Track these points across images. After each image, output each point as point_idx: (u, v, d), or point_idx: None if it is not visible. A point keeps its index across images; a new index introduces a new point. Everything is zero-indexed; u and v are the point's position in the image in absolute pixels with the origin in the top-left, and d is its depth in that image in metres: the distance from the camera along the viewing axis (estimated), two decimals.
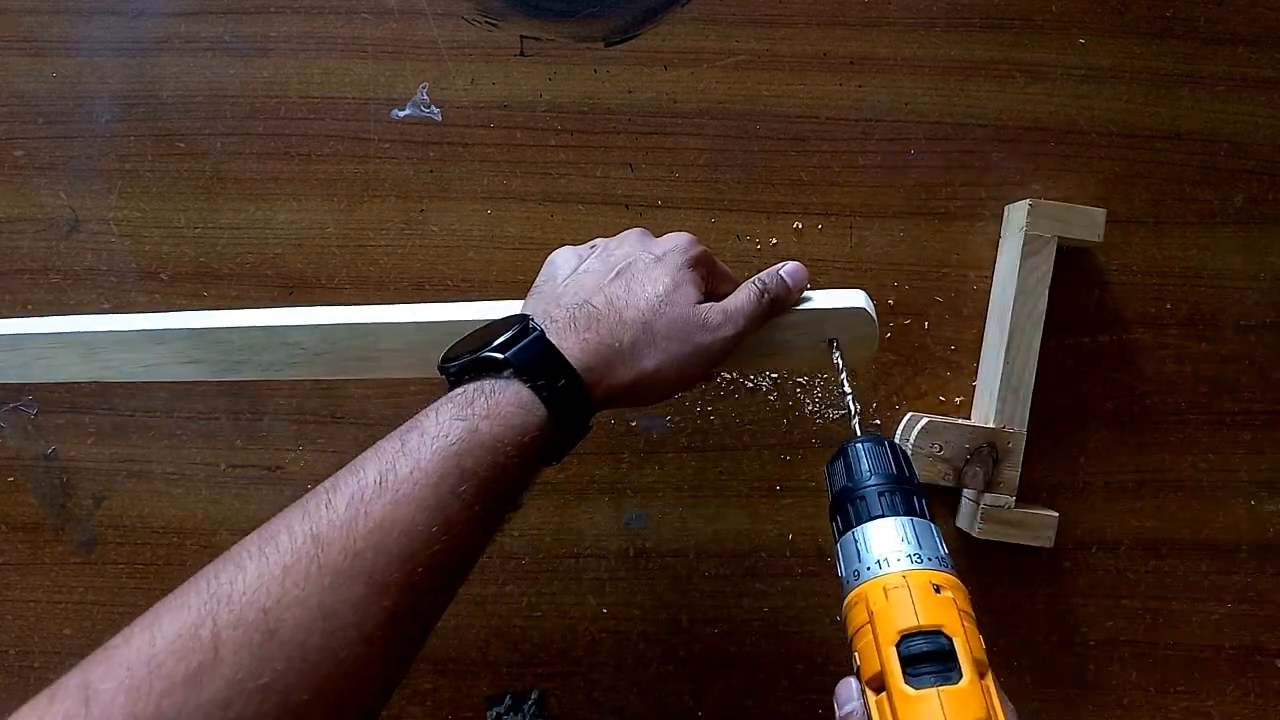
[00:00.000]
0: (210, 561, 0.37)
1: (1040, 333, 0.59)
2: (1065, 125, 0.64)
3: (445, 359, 0.45)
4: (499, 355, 0.42)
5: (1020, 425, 0.59)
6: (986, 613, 0.63)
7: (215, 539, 0.64)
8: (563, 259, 0.51)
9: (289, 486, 0.64)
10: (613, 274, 0.48)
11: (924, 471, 0.59)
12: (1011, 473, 0.59)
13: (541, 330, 0.44)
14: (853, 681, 0.42)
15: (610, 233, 0.63)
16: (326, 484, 0.40)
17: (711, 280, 0.51)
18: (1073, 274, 0.64)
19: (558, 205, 0.64)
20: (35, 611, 0.64)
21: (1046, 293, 0.59)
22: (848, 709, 0.42)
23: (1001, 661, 0.63)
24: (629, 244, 0.51)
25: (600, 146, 0.64)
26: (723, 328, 0.48)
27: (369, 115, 0.64)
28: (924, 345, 0.64)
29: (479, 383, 0.42)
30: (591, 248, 0.52)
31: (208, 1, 0.64)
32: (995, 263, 0.63)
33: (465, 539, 0.40)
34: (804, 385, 0.64)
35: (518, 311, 0.48)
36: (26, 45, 0.64)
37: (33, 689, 0.65)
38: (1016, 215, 0.61)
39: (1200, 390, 0.64)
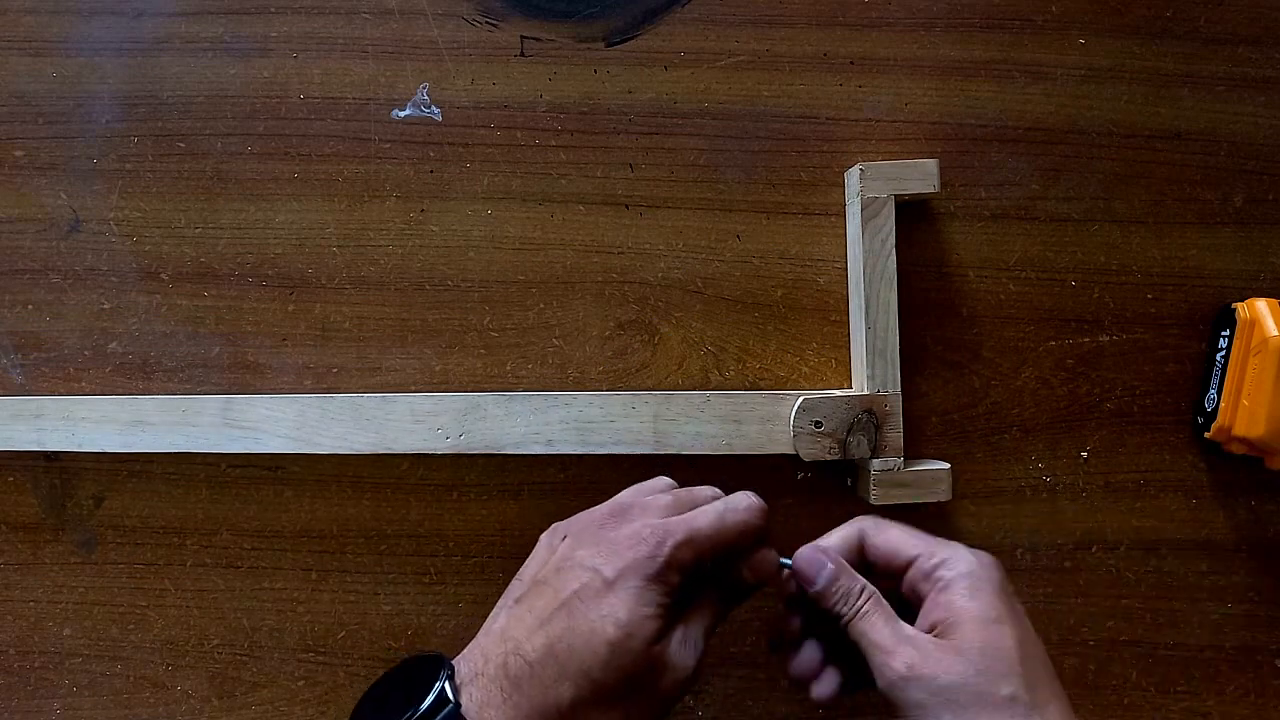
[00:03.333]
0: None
1: (895, 292, 0.59)
2: (1065, 125, 0.64)
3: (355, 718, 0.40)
4: None
5: (893, 387, 0.59)
6: None
7: (215, 539, 0.64)
8: (537, 555, 0.45)
9: (289, 487, 0.64)
10: (557, 605, 0.40)
11: (808, 449, 0.58)
12: (894, 434, 0.59)
13: (455, 707, 0.37)
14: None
15: (610, 232, 0.63)
16: None
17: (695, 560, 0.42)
18: (1076, 273, 0.64)
19: (558, 205, 0.64)
20: (35, 611, 0.64)
21: (893, 252, 0.59)
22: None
23: None
24: (584, 547, 0.43)
25: (600, 147, 0.64)
26: (685, 659, 0.41)
27: (369, 115, 0.64)
28: (923, 345, 0.64)
29: None
30: (564, 539, 0.45)
31: (208, 1, 0.64)
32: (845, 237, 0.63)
33: None
34: (805, 385, 0.64)
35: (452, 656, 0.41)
36: (26, 45, 0.64)
37: (33, 689, 0.65)
38: (852, 181, 0.61)
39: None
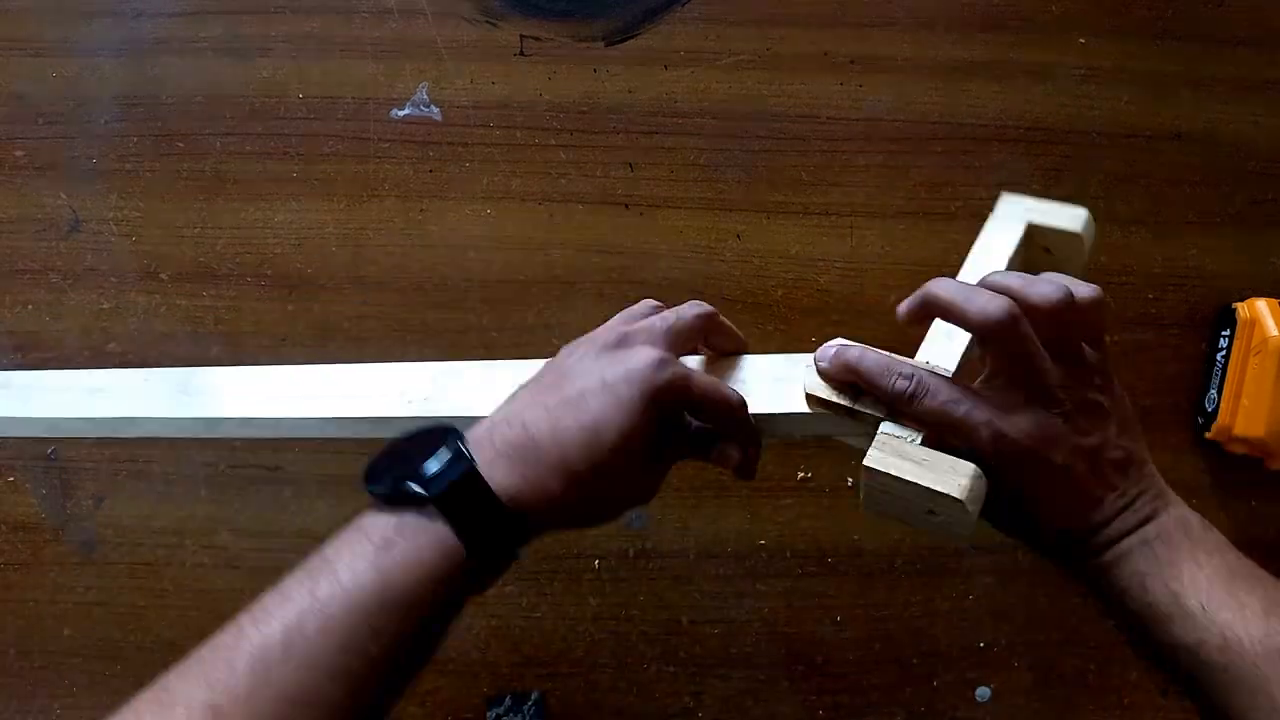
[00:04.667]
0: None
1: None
2: (1067, 125, 0.64)
3: (370, 475, 0.42)
4: (423, 491, 0.40)
5: (950, 363, 0.48)
6: (987, 614, 0.63)
7: (215, 539, 0.64)
8: (553, 364, 0.47)
9: (288, 486, 0.64)
10: (564, 400, 0.43)
11: (812, 382, 0.47)
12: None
13: (472, 463, 0.40)
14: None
15: (610, 232, 0.63)
16: (230, 631, 0.38)
17: (693, 390, 0.44)
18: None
19: (558, 205, 0.64)
20: (35, 611, 0.64)
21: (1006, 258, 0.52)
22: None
23: (1002, 661, 0.63)
24: (595, 360, 0.45)
25: (600, 146, 0.64)
26: (652, 478, 0.45)
27: (368, 115, 0.64)
28: None
29: (400, 518, 0.40)
30: (591, 340, 0.48)
31: (207, 2, 0.64)
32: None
33: (374, 695, 0.38)
34: None
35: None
36: (26, 45, 0.64)
37: (33, 689, 0.65)
38: (1013, 209, 0.54)
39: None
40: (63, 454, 0.64)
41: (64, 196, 0.64)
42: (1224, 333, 0.63)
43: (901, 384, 0.44)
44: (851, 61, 0.64)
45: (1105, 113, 0.64)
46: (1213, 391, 0.63)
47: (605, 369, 0.44)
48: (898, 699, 0.64)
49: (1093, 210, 0.64)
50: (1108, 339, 0.64)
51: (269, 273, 0.64)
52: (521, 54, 0.64)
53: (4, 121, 0.64)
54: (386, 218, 0.64)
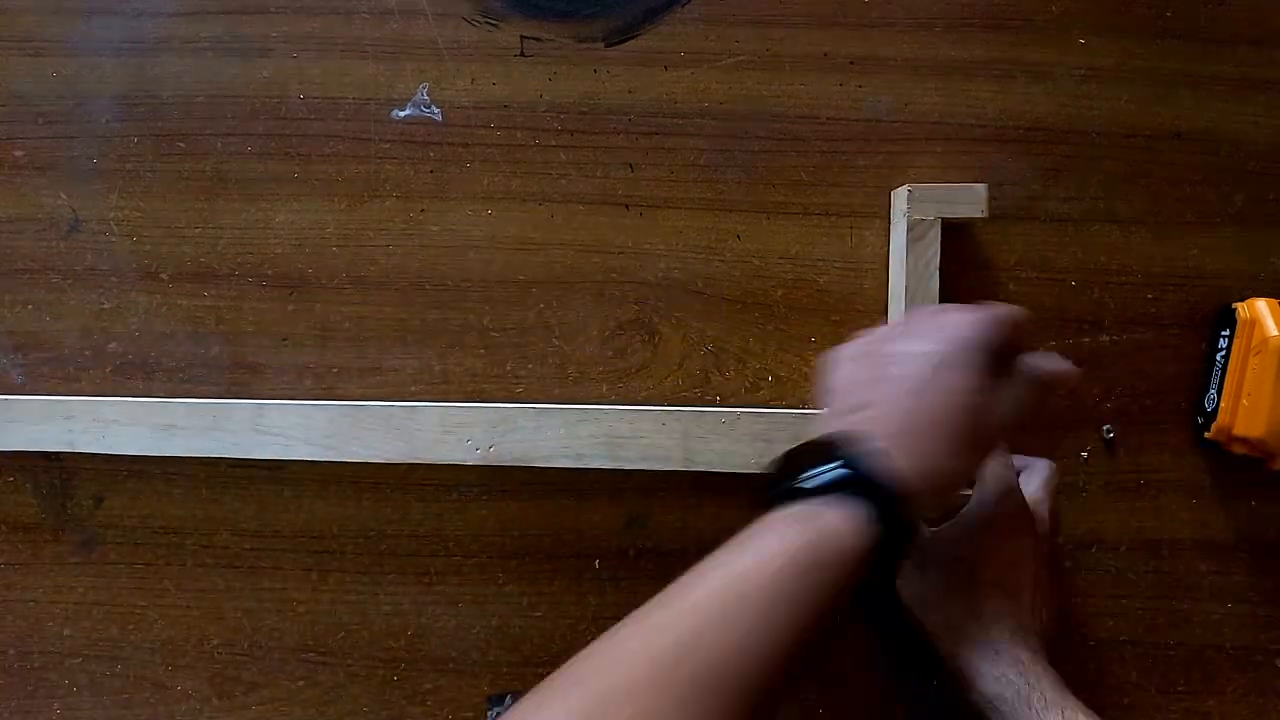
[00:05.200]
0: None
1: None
2: (1065, 125, 0.64)
3: (777, 478, 0.45)
4: (844, 471, 0.42)
5: None
6: None
7: (215, 539, 0.64)
8: (840, 374, 0.50)
9: (288, 487, 0.64)
10: (906, 390, 0.46)
11: None
12: None
13: (875, 451, 0.43)
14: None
15: (610, 232, 0.63)
16: (665, 610, 0.40)
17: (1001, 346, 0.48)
18: (1076, 273, 0.64)
19: (558, 205, 0.64)
20: (35, 611, 0.64)
21: (937, 273, 0.58)
22: None
23: None
24: (904, 343, 0.48)
25: (600, 147, 0.64)
26: (1007, 410, 0.48)
27: (369, 115, 0.64)
28: None
29: (805, 506, 0.42)
30: (868, 343, 0.51)
31: (208, 1, 0.64)
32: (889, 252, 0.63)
33: (793, 665, 0.40)
34: (805, 385, 0.64)
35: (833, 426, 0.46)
36: (26, 45, 0.64)
37: (32, 689, 0.65)
38: (899, 201, 0.60)
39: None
40: (62, 454, 0.64)
41: (64, 196, 0.64)
42: (1224, 333, 0.63)
43: None
44: (851, 62, 0.64)
45: (1105, 112, 0.64)
46: (1212, 391, 0.63)
47: (929, 345, 0.47)
48: (898, 700, 0.64)
49: (1092, 210, 0.64)
50: (1108, 339, 0.64)
51: (270, 273, 0.64)
52: (522, 55, 0.64)
53: (4, 121, 0.64)
54: (387, 218, 0.64)
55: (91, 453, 0.63)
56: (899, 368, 0.47)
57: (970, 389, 0.45)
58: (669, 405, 0.63)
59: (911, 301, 0.59)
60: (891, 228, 0.63)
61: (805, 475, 0.43)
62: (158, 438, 0.59)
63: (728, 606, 0.38)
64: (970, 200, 0.59)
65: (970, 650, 0.51)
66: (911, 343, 0.48)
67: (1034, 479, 0.58)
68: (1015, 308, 0.50)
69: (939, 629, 0.53)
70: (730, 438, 0.59)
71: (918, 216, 0.58)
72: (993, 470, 0.54)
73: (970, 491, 0.55)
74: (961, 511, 0.54)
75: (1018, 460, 0.59)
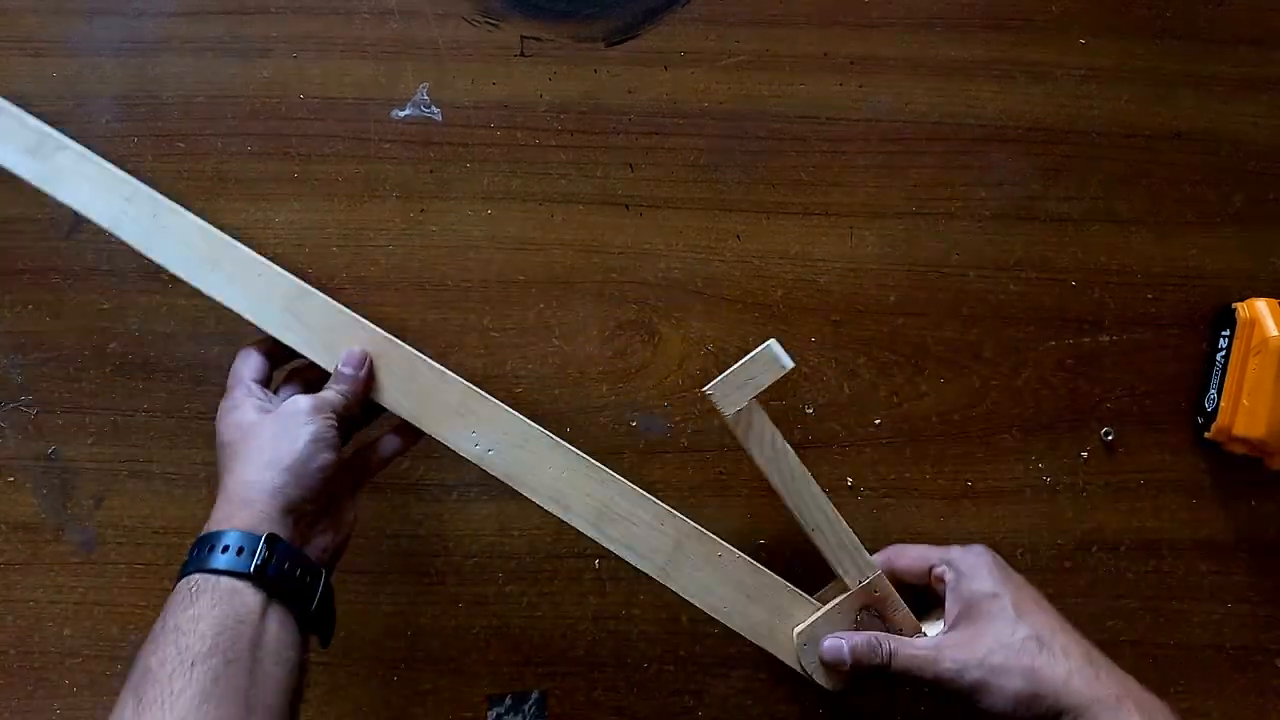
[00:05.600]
0: None
1: (813, 484, 0.55)
2: (1066, 125, 0.64)
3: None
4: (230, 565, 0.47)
5: (872, 570, 0.56)
6: None
7: None
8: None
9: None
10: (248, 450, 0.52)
11: (831, 680, 0.56)
12: (901, 613, 0.56)
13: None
14: None
15: (610, 232, 0.63)
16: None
17: None
18: (1076, 273, 0.64)
19: (558, 205, 0.64)
20: (35, 611, 0.64)
21: (788, 450, 0.54)
22: None
23: None
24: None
25: (600, 147, 0.64)
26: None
27: (369, 115, 0.64)
28: (923, 345, 0.64)
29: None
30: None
31: (208, 2, 0.63)
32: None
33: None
34: (805, 385, 0.64)
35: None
36: (26, 45, 0.64)
37: (33, 689, 0.65)
38: (717, 404, 0.54)
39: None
40: (63, 454, 0.64)
41: None
42: (1224, 333, 0.63)
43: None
44: (851, 62, 0.64)
45: (1105, 112, 0.64)
46: (1212, 391, 0.63)
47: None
48: (898, 699, 0.65)
49: (1092, 210, 0.64)
50: (1108, 339, 0.64)
51: None
52: (522, 55, 0.64)
53: None
54: (387, 218, 0.64)
55: (92, 448, 0.63)
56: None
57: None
58: (669, 404, 0.64)
59: (785, 488, 0.55)
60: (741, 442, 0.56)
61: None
62: (195, 266, 0.56)
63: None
64: (767, 363, 0.54)
65: (1090, 687, 0.49)
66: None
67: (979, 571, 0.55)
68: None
69: (1053, 705, 0.50)
70: (717, 575, 0.56)
71: (733, 409, 0.53)
72: (959, 567, 0.55)
73: (947, 555, 0.56)
74: (958, 580, 0.55)
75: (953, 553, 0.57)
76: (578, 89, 0.64)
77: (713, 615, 0.56)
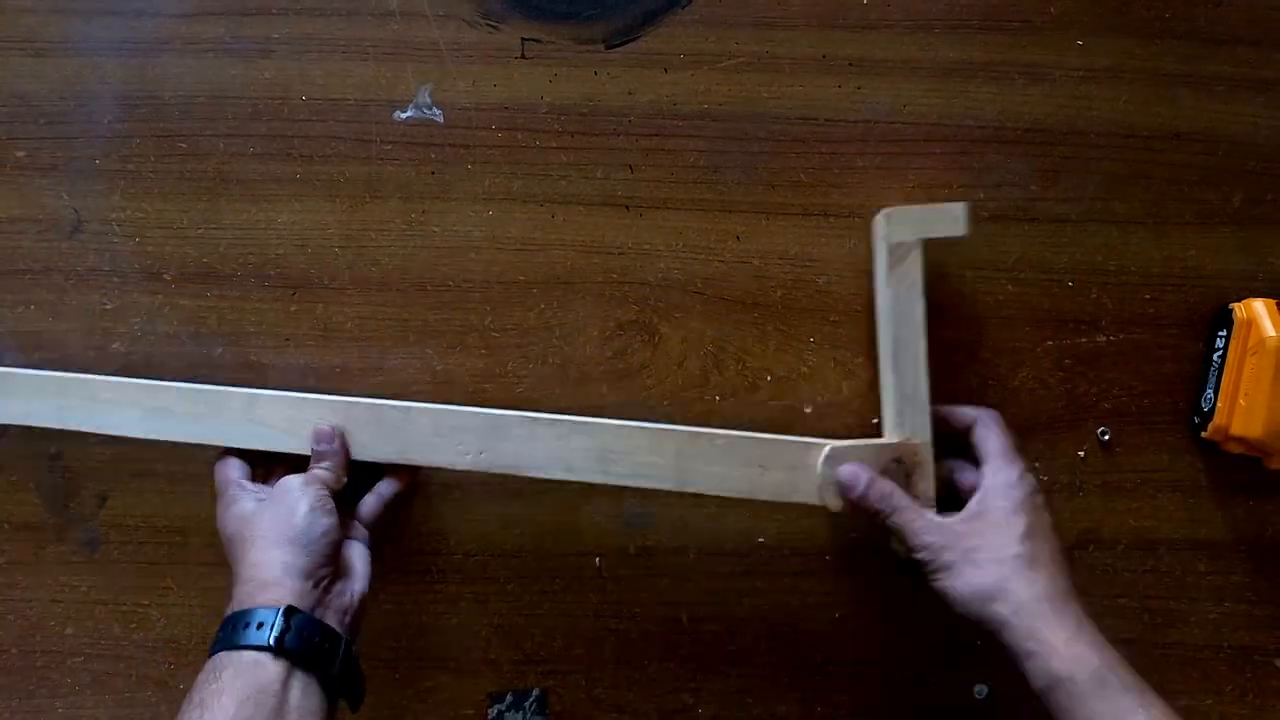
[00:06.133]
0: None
1: (924, 338, 0.58)
2: (1065, 125, 0.64)
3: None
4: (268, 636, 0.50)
5: (924, 435, 0.58)
6: None
7: (217, 539, 0.64)
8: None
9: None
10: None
11: (836, 500, 0.58)
12: (925, 484, 0.58)
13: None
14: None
15: (610, 233, 0.64)
16: None
17: None
18: (1074, 273, 0.64)
19: (558, 206, 0.64)
20: (38, 611, 0.64)
21: (922, 298, 0.58)
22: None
23: (1000, 660, 0.63)
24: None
25: (601, 148, 0.64)
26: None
27: (371, 117, 0.64)
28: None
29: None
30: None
31: (209, 2, 0.64)
32: (873, 274, 0.63)
33: None
34: (805, 385, 0.64)
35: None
36: (27, 45, 0.64)
37: (35, 688, 0.66)
38: (879, 226, 0.60)
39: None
40: (67, 453, 0.64)
41: (66, 197, 0.64)
42: (1221, 333, 0.63)
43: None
44: (850, 64, 0.64)
45: (1104, 113, 0.64)
46: (1209, 391, 0.63)
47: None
48: (897, 697, 0.65)
49: (1091, 211, 0.64)
50: (1105, 339, 0.64)
51: (272, 273, 0.64)
52: (523, 56, 0.64)
53: (5, 121, 0.64)
54: (388, 219, 0.64)
55: (94, 448, 0.63)
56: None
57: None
58: (669, 404, 0.64)
59: (897, 327, 0.58)
60: (875, 253, 0.62)
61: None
62: (148, 421, 0.59)
63: None
64: (950, 220, 0.58)
65: (1047, 624, 0.51)
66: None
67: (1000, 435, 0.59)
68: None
69: (1004, 612, 0.52)
70: (724, 461, 0.58)
71: (898, 239, 0.58)
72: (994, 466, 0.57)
73: (1000, 466, 0.56)
74: (987, 491, 0.56)
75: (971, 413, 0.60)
76: (578, 91, 0.64)
77: (739, 497, 0.58)
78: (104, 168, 0.64)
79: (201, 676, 0.49)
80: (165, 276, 0.64)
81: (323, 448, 0.58)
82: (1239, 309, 0.62)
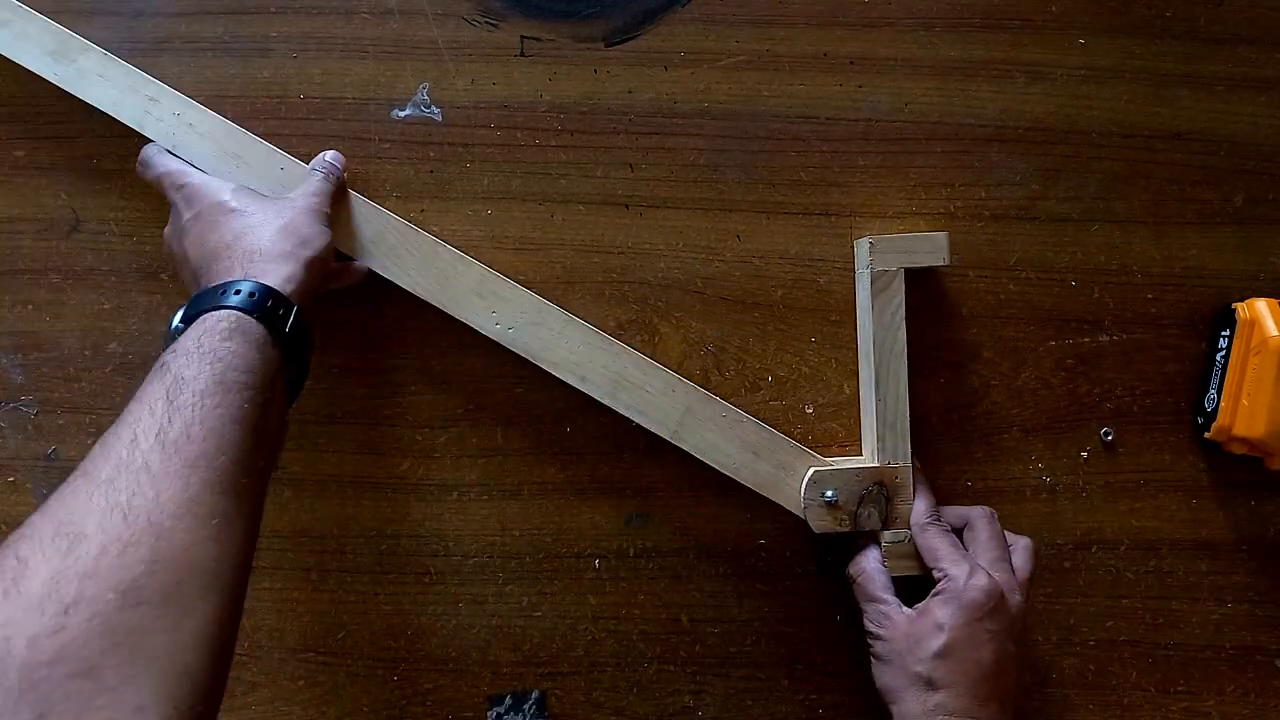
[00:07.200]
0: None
1: (905, 364, 0.59)
2: (1065, 125, 0.64)
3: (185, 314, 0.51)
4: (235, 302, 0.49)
5: (903, 460, 0.59)
6: None
7: None
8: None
9: (289, 487, 0.64)
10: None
11: (819, 521, 0.59)
12: (905, 506, 0.59)
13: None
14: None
15: (610, 232, 0.63)
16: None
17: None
18: (1076, 273, 0.64)
19: (558, 205, 0.64)
20: None
21: (904, 324, 0.59)
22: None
23: None
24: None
25: (600, 147, 0.64)
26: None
27: (369, 115, 0.64)
28: (923, 345, 0.64)
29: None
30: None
31: (208, 1, 0.63)
32: (856, 297, 0.64)
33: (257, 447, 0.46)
34: (805, 385, 0.64)
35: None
36: None
37: None
38: (861, 252, 0.61)
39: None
40: (63, 454, 0.64)
41: (64, 196, 0.64)
42: (1223, 333, 0.63)
43: None
44: (851, 62, 0.64)
45: (1105, 112, 0.64)
46: (1212, 391, 0.63)
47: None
48: None
49: (1092, 210, 0.64)
50: (1107, 339, 0.64)
51: None
52: (522, 55, 0.64)
53: (4, 121, 0.64)
54: None
55: (87, 448, 0.63)
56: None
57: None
58: None
59: (879, 354, 0.59)
60: (857, 275, 0.63)
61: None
62: (225, 162, 0.60)
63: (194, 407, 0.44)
64: (931, 249, 0.59)
65: None
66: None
67: (1017, 556, 0.58)
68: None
69: (895, 713, 0.55)
70: (725, 434, 0.59)
71: (880, 268, 0.59)
72: (977, 563, 0.57)
73: (951, 570, 0.56)
74: (938, 594, 0.56)
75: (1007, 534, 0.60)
76: (577, 89, 0.64)
77: (723, 471, 0.59)
78: (103, 167, 0.64)
79: (209, 325, 0.48)
80: (163, 276, 0.64)
81: (325, 168, 0.59)
82: (1242, 309, 0.62)
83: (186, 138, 0.60)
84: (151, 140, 0.60)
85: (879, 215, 0.64)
